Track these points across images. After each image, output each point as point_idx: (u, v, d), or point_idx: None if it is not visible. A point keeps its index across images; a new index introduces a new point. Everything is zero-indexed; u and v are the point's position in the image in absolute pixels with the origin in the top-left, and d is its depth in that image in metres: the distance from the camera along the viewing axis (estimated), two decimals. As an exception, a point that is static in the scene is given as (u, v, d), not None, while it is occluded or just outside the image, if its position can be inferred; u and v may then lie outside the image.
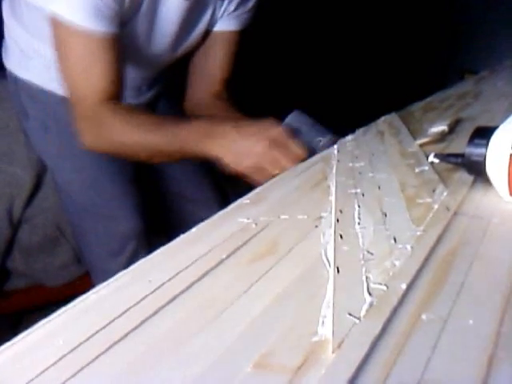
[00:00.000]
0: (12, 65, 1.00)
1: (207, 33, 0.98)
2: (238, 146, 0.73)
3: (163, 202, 1.16)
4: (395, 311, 0.31)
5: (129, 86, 0.90)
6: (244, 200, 0.53)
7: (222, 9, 0.95)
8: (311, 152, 0.72)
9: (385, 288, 0.34)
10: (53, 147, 1.02)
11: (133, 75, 0.86)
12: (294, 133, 0.75)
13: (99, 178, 1.01)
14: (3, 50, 1.04)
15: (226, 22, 0.97)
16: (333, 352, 0.28)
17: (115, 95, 0.82)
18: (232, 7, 0.95)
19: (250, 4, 0.97)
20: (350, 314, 0.31)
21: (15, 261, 1.41)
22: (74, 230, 1.15)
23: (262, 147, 0.72)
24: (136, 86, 1.00)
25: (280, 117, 0.79)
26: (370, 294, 0.33)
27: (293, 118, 0.80)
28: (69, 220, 1.16)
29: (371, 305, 0.32)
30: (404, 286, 0.34)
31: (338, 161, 0.64)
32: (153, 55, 0.94)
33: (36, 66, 0.97)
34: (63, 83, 0.82)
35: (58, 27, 0.77)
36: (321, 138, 0.78)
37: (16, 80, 0.99)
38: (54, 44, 0.79)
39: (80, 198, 1.03)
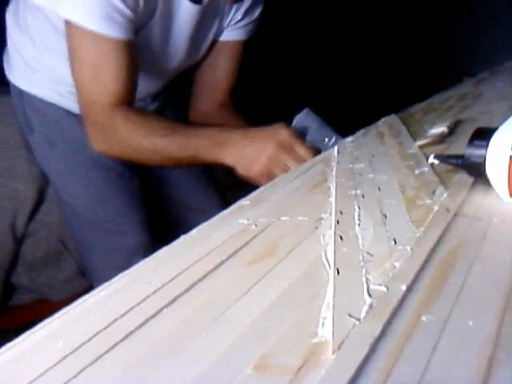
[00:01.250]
0: (16, 78, 0.98)
1: (213, 43, 0.98)
2: (247, 152, 0.74)
3: (168, 213, 1.15)
4: (395, 312, 0.31)
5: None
6: (244, 201, 0.53)
7: (229, 18, 0.95)
8: (317, 152, 0.72)
9: (385, 289, 0.34)
10: (59, 162, 1.00)
11: (139, 87, 0.86)
12: (302, 132, 0.76)
13: (106, 193, 1.00)
14: (5, 63, 1.02)
15: (232, 32, 0.97)
16: (333, 353, 0.28)
17: (127, 100, 0.81)
18: (239, 16, 0.95)
19: (256, 14, 0.97)
20: (349, 316, 0.31)
21: (19, 276, 1.40)
22: (78, 245, 1.12)
23: (271, 150, 0.72)
24: (141, 98, 0.99)
25: (282, 119, 0.79)
26: (369, 295, 0.33)
27: (302, 117, 0.81)
28: (73, 235, 1.14)
29: (371, 306, 0.32)
30: (404, 288, 0.34)
31: (338, 162, 0.64)
32: (164, 65, 0.94)
33: (42, 78, 0.95)
34: (76, 88, 0.81)
35: (71, 29, 0.76)
36: (327, 139, 0.79)
37: (21, 93, 0.98)
38: (68, 45, 0.79)
39: (86, 212, 1.01)
